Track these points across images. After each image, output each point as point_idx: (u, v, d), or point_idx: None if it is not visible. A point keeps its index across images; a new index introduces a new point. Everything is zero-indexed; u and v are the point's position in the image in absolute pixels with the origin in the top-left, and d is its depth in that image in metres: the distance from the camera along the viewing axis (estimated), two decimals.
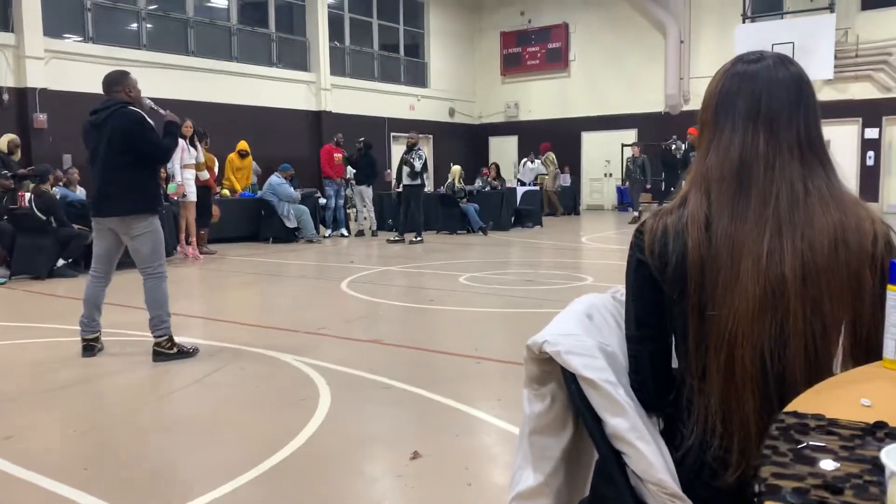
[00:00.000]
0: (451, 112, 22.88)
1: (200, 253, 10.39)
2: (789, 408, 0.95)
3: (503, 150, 22.94)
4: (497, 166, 16.97)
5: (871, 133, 17.58)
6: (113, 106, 4.58)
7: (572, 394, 1.38)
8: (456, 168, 14.95)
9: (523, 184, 17.34)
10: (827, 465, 0.77)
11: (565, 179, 19.88)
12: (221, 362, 4.59)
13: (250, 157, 13.64)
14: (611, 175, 21.52)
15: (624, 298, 1.52)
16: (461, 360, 4.56)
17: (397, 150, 19.57)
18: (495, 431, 3.33)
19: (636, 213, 15.63)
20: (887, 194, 17.60)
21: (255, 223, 12.63)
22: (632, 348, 1.41)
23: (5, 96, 12.79)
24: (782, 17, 17.74)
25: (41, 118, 13.00)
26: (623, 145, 20.38)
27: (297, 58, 18.19)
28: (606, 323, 1.49)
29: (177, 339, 4.73)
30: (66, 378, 4.26)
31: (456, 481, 2.81)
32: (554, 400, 1.45)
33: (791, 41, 15.69)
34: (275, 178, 12.53)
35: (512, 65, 22.97)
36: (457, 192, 14.14)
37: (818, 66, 15.45)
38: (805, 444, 0.81)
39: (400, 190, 12.74)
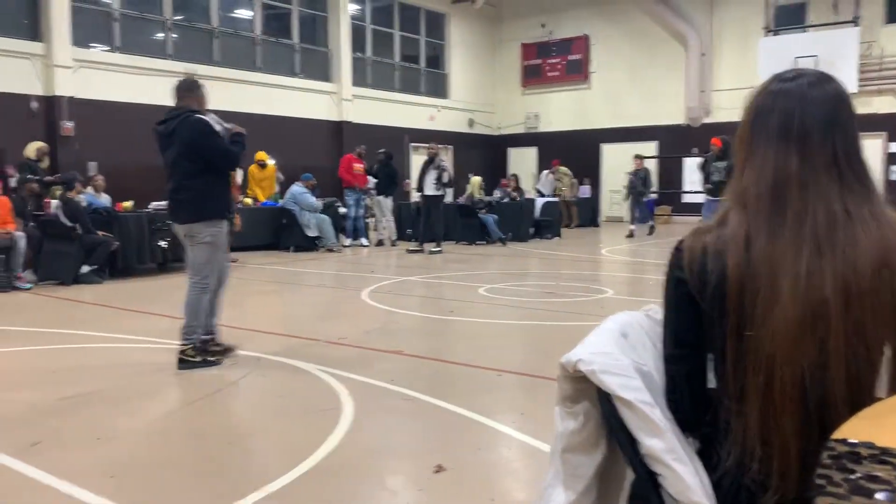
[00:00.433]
0: (471, 123, 22.93)
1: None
2: (838, 434, 0.93)
3: (522, 162, 22.93)
4: (517, 177, 16.98)
5: None
6: (181, 114, 4.67)
7: (607, 413, 1.38)
8: (475, 179, 14.95)
9: (542, 195, 17.31)
10: (883, 496, 0.75)
11: (584, 191, 19.83)
12: (245, 371, 4.61)
13: (272, 165, 13.72)
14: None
15: (658, 317, 1.51)
16: (482, 372, 4.54)
17: (417, 161, 19.64)
18: (518, 446, 3.32)
19: (634, 227, 15.45)
20: None
21: (277, 232, 12.71)
22: (669, 368, 1.40)
23: (34, 104, 12.98)
24: (805, 31, 17.63)
25: (68, 126, 13.17)
26: (643, 157, 20.30)
27: (319, 68, 18.32)
28: (641, 342, 1.48)
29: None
30: (92, 385, 4.30)
31: (479, 496, 2.79)
32: (587, 418, 1.44)
33: (815, 54, 15.58)
34: (296, 188, 12.61)
35: (532, 76, 22.99)
36: (476, 203, 14.15)
37: (842, 80, 15.30)
38: (860, 474, 0.80)
39: (420, 199, 12.75)
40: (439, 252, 11.93)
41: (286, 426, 3.60)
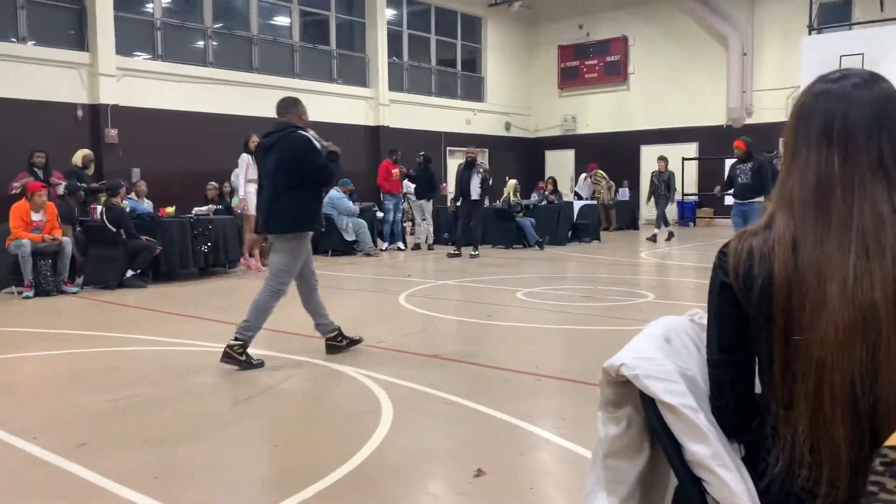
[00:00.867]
0: (507, 126, 22.89)
1: (262, 265, 10.60)
2: (891, 441, 0.91)
3: (560, 164, 22.81)
4: (554, 180, 16.88)
5: None
6: (284, 129, 4.90)
7: (650, 418, 1.36)
8: (511, 182, 14.92)
9: (580, 198, 17.20)
10: None
11: (623, 194, 19.65)
12: (286, 374, 4.66)
13: None
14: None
15: (703, 321, 1.49)
16: (521, 376, 4.53)
17: (453, 164, 19.67)
18: (559, 451, 3.30)
19: (657, 231, 14.90)
20: None
21: (315, 236, 12.82)
22: (713, 373, 1.38)
23: (80, 112, 13.32)
24: (851, 28, 17.25)
25: (112, 133, 13.48)
26: (684, 159, 20.06)
27: (356, 74, 18.48)
28: (685, 346, 1.46)
29: (249, 351, 4.82)
30: (137, 387, 4.38)
31: (520, 501, 2.79)
32: (630, 423, 1.43)
33: (861, 52, 15.23)
34: (334, 192, 12.72)
35: (569, 78, 22.87)
36: (513, 207, 14.11)
37: (889, 79, 14.93)
38: None
39: (459, 203, 12.69)
40: (477, 256, 11.92)
41: (328, 429, 3.63)
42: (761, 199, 9.03)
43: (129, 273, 8.77)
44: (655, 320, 1.54)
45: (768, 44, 19.28)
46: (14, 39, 12.84)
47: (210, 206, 11.25)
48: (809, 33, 17.07)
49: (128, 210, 9.21)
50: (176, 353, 5.34)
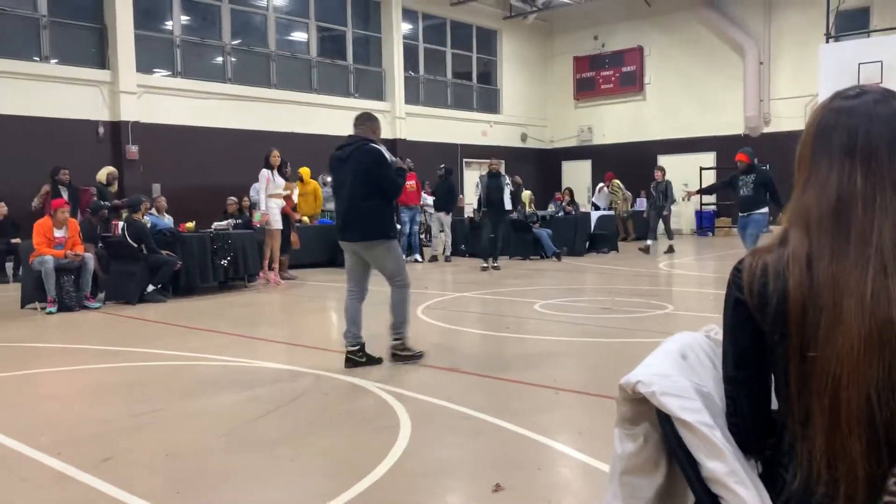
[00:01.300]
0: (524, 137, 22.94)
1: (282, 279, 10.67)
2: None
3: (576, 175, 22.80)
4: (571, 191, 16.85)
5: None
6: (358, 142, 5.18)
7: (667, 435, 1.37)
8: (526, 193, 14.90)
9: (598, 208, 17.16)
10: None
11: (641, 204, 19.57)
12: (304, 388, 4.69)
13: (313, 182, 13.60)
14: (688, 199, 21.07)
15: (718, 337, 1.50)
16: (539, 390, 4.53)
17: (470, 176, 19.71)
18: (578, 465, 3.29)
19: (649, 243, 14.30)
20: None
21: (333, 249, 12.87)
22: (730, 390, 1.38)
23: (101, 129, 13.52)
24: (869, 36, 17.13)
25: (133, 150, 13.67)
26: (701, 168, 19.98)
27: (373, 88, 18.62)
28: (701, 363, 1.47)
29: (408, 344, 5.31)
30: (159, 401, 4.43)
31: None
32: (647, 440, 1.44)
33: (879, 60, 15.11)
34: None
35: (585, 89, 22.89)
36: (528, 217, 14.10)
37: None
38: None
39: (481, 214, 12.47)
40: (497, 269, 11.83)
41: (346, 443, 3.65)
42: (762, 210, 9.01)
43: (150, 288, 8.86)
44: (671, 336, 1.55)
45: (785, 52, 19.20)
46: (37, 58, 13.08)
47: (229, 220, 11.35)
48: (827, 41, 16.98)
49: (148, 225, 9.31)
50: (197, 368, 5.39)
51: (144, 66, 14.14)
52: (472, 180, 19.66)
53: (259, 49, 16.41)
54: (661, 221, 14.82)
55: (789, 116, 18.56)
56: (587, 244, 14.95)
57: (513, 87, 22.64)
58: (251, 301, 9.14)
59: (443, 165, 13.80)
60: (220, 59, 15.74)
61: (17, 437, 3.74)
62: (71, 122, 13.10)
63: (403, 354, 5.23)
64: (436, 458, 3.39)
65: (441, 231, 13.79)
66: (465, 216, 14.82)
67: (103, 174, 11.64)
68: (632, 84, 21.90)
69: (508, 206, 11.95)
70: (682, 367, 1.42)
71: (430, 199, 14.04)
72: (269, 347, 6.18)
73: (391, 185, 5.14)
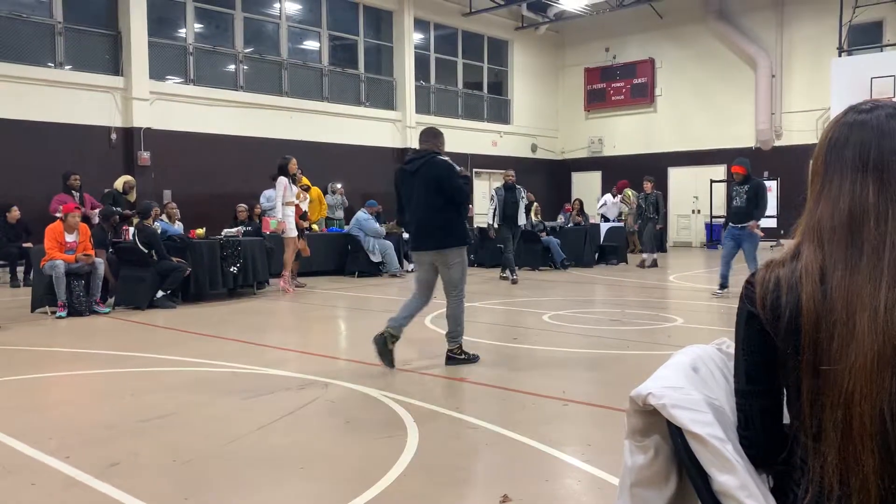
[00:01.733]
0: (534, 148, 22.94)
1: (296, 286, 10.69)
2: None
3: (586, 186, 22.78)
4: (580, 202, 16.82)
5: None
6: (426, 155, 5.49)
7: (678, 448, 1.37)
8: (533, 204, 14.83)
9: (607, 220, 17.11)
10: None
11: None
12: (313, 395, 4.69)
13: (315, 189, 13.57)
14: (699, 211, 21.06)
15: (730, 351, 1.49)
16: (548, 401, 4.51)
17: (479, 186, 19.72)
18: (586, 477, 3.28)
19: (645, 257, 14.10)
20: None
21: (342, 257, 12.93)
22: (741, 403, 1.38)
23: (114, 135, 13.61)
24: (882, 50, 17.09)
25: (145, 156, 13.75)
26: (712, 181, 19.95)
27: (384, 97, 18.69)
28: (713, 376, 1.47)
29: (463, 348, 5.59)
30: (167, 407, 4.44)
31: None
32: (657, 453, 1.43)
33: (891, 74, 15.09)
34: (362, 214, 12.82)
35: (596, 100, 22.90)
36: (535, 227, 14.08)
37: None
38: None
39: (497, 228, 12.32)
40: (515, 282, 11.71)
41: (353, 452, 3.65)
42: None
43: (160, 294, 8.89)
44: (683, 349, 1.54)
45: (797, 65, 19.16)
46: (51, 64, 13.20)
47: (239, 227, 11.39)
48: (839, 55, 16.94)
49: (159, 231, 9.36)
50: (205, 374, 5.40)
51: (157, 73, 14.24)
52: (480, 191, 19.70)
53: (271, 57, 16.50)
54: (644, 234, 14.52)
55: (801, 130, 18.50)
56: (596, 255, 14.92)
57: (523, 97, 22.67)
58: (260, 308, 9.16)
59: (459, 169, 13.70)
60: (232, 67, 15.84)
61: (26, 440, 3.76)
62: (84, 128, 13.20)
63: (461, 358, 5.56)
64: (442, 469, 3.38)
65: None
66: (475, 226, 14.74)
67: (120, 183, 11.73)
68: (643, 96, 21.90)
69: (523, 220, 11.90)
70: (694, 380, 1.42)
71: None
72: (277, 355, 6.19)
73: (460, 193, 5.43)
